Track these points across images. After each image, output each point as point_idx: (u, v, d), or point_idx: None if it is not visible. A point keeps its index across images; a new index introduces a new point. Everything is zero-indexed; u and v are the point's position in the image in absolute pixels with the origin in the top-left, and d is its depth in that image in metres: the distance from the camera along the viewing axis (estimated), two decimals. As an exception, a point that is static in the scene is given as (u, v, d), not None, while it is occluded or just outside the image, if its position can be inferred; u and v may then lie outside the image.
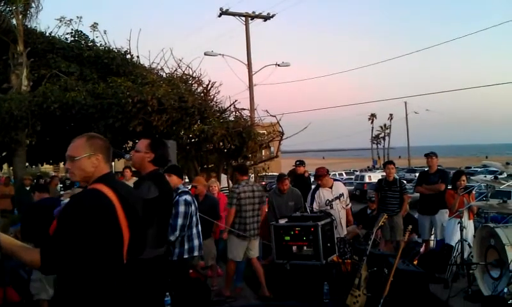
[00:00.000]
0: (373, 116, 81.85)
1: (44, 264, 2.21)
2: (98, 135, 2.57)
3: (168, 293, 5.34)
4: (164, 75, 12.26)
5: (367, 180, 31.92)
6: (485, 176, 11.04)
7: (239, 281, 6.75)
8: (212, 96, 12.10)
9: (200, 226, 5.17)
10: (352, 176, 40.43)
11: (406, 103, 61.22)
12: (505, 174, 6.97)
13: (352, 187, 34.22)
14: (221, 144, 11.63)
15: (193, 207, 4.93)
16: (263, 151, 16.38)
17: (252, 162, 13.09)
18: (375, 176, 30.22)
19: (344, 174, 46.00)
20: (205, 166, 12.43)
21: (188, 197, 4.86)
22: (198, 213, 5.12)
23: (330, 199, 6.95)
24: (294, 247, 6.19)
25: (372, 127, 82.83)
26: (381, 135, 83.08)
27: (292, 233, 6.12)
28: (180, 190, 4.88)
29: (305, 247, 6.15)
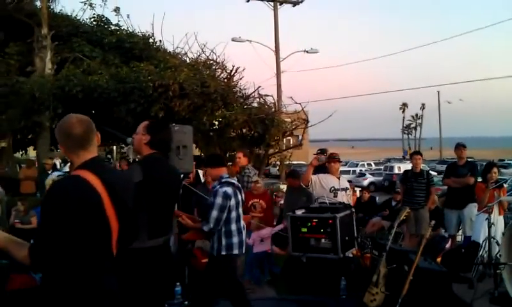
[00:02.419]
0: (404, 105, 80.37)
1: (33, 261, 2.07)
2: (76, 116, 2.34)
3: (178, 283, 5.21)
4: (188, 60, 12.13)
5: (396, 170, 31.25)
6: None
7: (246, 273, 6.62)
8: (235, 82, 11.92)
9: (242, 221, 4.87)
10: (381, 167, 39.76)
11: (438, 92, 59.69)
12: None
13: (381, 178, 33.77)
14: (244, 130, 11.47)
15: (233, 201, 4.61)
16: (290, 139, 16.18)
17: (276, 150, 12.90)
18: (405, 167, 29.56)
19: (372, 164, 45.27)
20: (228, 153, 12.28)
21: (229, 190, 4.55)
22: (240, 209, 4.82)
23: (336, 187, 6.55)
24: (312, 240, 5.95)
25: (404, 117, 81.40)
26: (412, 125, 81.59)
27: (310, 224, 5.86)
28: (223, 180, 4.62)
29: (323, 240, 5.89)
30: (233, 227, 4.61)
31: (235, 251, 4.64)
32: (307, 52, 23.93)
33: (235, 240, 4.63)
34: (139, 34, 12.83)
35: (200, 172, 8.97)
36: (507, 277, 5.23)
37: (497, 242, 5.85)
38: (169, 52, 12.59)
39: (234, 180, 4.84)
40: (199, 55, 11.95)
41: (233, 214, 4.60)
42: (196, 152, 12.35)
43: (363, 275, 5.40)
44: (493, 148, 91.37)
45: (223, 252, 4.58)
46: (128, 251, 2.67)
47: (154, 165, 3.41)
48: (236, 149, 12.19)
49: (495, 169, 7.21)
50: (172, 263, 4.19)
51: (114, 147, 13.30)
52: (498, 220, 6.72)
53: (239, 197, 4.73)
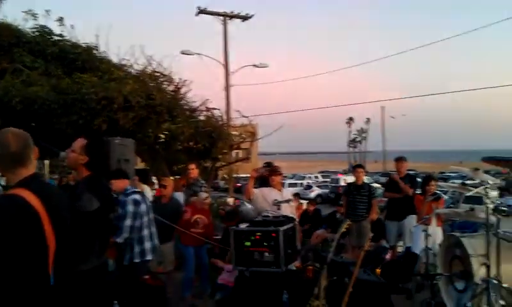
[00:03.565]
0: (351, 119, 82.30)
1: None
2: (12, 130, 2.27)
3: (116, 302, 5.07)
4: (133, 72, 11.92)
5: (342, 183, 31.88)
6: (453, 182, 11.01)
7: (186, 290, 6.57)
8: (183, 95, 11.80)
9: (153, 227, 4.87)
10: (328, 179, 40.47)
11: (382, 107, 61.55)
12: (476, 180, 6.83)
13: (328, 190, 34.39)
14: (190, 143, 11.36)
15: (144, 207, 4.63)
16: (239, 152, 16.17)
17: (223, 163, 12.86)
18: (351, 180, 30.25)
19: (319, 176, 46.00)
20: (174, 167, 12.12)
21: (137, 197, 4.58)
22: (150, 214, 4.82)
23: (279, 200, 6.59)
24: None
25: (350, 131, 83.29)
26: (357, 139, 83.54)
27: (253, 238, 5.85)
28: (128, 191, 4.59)
29: (266, 253, 5.89)
30: (145, 232, 4.63)
31: (148, 257, 4.65)
32: (256, 66, 24.15)
33: (148, 245, 4.64)
34: (83, 45, 12.51)
35: (145, 186, 8.81)
36: (443, 287, 5.39)
37: (434, 253, 6.04)
38: (115, 63, 12.34)
39: (138, 189, 4.88)
40: (145, 68, 11.76)
41: (145, 219, 4.62)
42: (142, 166, 12.14)
43: (306, 288, 5.43)
44: (436, 161, 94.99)
45: (136, 260, 4.55)
46: (73, 273, 2.58)
47: (102, 188, 3.33)
48: (183, 162, 12.09)
49: (433, 182, 7.47)
50: (109, 283, 4.10)
51: (47, 161, 12.87)
52: (437, 232, 6.94)
53: (148, 203, 4.77)
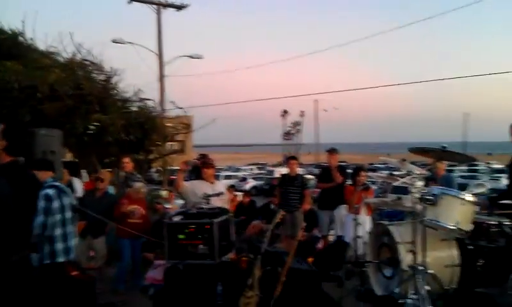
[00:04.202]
0: (285, 112, 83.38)
1: None
2: None
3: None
4: (61, 60, 11.39)
5: (276, 175, 32.26)
6: (381, 173, 11.45)
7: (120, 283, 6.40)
8: (114, 85, 11.42)
9: (70, 226, 4.59)
10: (263, 171, 40.85)
11: (316, 101, 62.97)
12: (403, 171, 7.09)
13: (263, 182, 34.72)
14: (122, 135, 11.04)
15: (57, 204, 4.31)
16: (173, 144, 15.92)
17: (157, 155, 12.61)
18: (284, 172, 30.71)
19: (254, 168, 46.35)
20: (105, 160, 11.73)
21: (50, 191, 4.28)
22: (68, 212, 4.55)
23: (209, 194, 6.47)
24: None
25: (284, 123, 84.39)
26: (292, 132, 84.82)
27: (187, 230, 5.77)
28: (46, 184, 4.32)
29: (200, 246, 5.83)
30: (58, 232, 4.36)
31: (60, 259, 4.40)
32: (191, 57, 23.86)
33: (60, 246, 4.38)
34: (9, 31, 11.79)
35: (76, 179, 8.48)
36: (372, 274, 5.56)
37: (364, 242, 6.23)
38: (42, 51, 11.72)
39: (59, 183, 4.63)
40: (74, 56, 11.27)
41: (57, 217, 4.35)
42: (70, 158, 11.66)
43: (240, 279, 5.43)
44: (365, 153, 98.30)
45: (46, 261, 4.32)
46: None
47: (20, 175, 3.13)
48: (115, 155, 11.72)
49: (363, 173, 7.70)
50: (33, 278, 3.87)
51: None
52: (366, 221, 7.15)
53: (65, 200, 4.50)
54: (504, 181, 28.65)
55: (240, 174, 40.28)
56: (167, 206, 9.75)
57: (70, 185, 8.09)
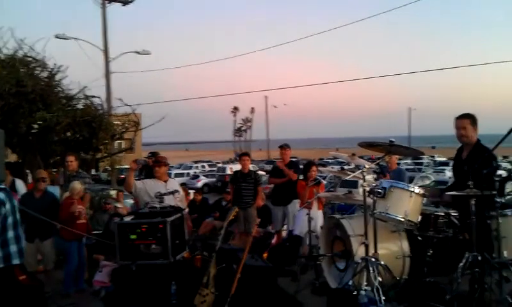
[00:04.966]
0: (236, 109, 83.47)
1: None
2: None
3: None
4: (2, 56, 10.87)
5: (228, 171, 32.25)
6: (332, 167, 11.63)
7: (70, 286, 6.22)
8: (58, 82, 11.02)
9: (19, 228, 4.40)
10: (215, 168, 40.71)
11: (266, 97, 63.36)
12: (352, 165, 7.21)
13: (215, 179, 34.61)
14: (68, 134, 10.68)
15: (8, 206, 4.13)
16: (122, 142, 15.56)
17: (104, 154, 12.28)
18: (237, 168, 30.76)
19: (206, 166, 46.12)
20: (50, 160, 11.31)
21: (1, 195, 4.08)
22: (17, 214, 4.35)
23: (162, 192, 6.30)
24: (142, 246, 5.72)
25: (235, 120, 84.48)
26: (243, 128, 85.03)
27: (139, 230, 5.64)
28: None
29: (153, 245, 5.71)
30: (10, 234, 4.18)
31: (15, 261, 4.23)
32: (139, 53, 23.38)
33: (14, 248, 4.21)
34: None
35: (19, 181, 8.13)
36: (326, 267, 5.63)
37: (317, 236, 6.30)
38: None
39: (3, 186, 4.44)
40: (15, 52, 10.78)
41: (10, 220, 4.18)
42: (14, 158, 11.18)
43: (194, 278, 5.37)
44: (315, 148, 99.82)
45: (1, 265, 4.14)
46: None
47: None
48: (60, 154, 11.32)
49: (314, 168, 7.77)
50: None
51: None
52: (318, 215, 7.24)
53: (14, 202, 4.34)
54: (447, 174, 29.82)
55: (191, 171, 39.95)
56: (117, 206, 9.52)
57: (12, 186, 7.75)
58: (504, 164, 35.55)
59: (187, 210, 7.12)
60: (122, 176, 26.24)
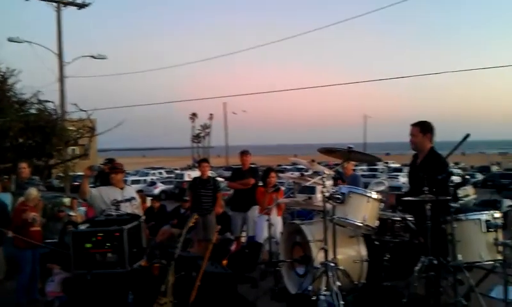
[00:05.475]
0: (194, 115, 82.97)
1: None
2: None
3: None
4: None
5: (186, 178, 31.98)
6: (292, 173, 11.73)
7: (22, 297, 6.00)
8: (10, 86, 10.67)
9: None
10: (172, 175, 40.30)
11: (225, 103, 63.32)
12: (311, 171, 7.27)
13: (172, 186, 34.21)
14: (20, 140, 10.34)
15: None
16: (75, 148, 15.19)
17: (58, 160, 11.95)
18: (195, 175, 30.54)
19: (163, 172, 45.58)
20: (2, 166, 10.89)
21: None
22: None
23: (119, 200, 6.14)
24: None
25: (193, 126, 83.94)
26: (201, 134, 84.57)
27: (94, 239, 5.48)
28: None
29: (109, 254, 5.56)
30: None
31: None
32: (94, 57, 22.90)
33: None
34: None
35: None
36: (285, 273, 5.64)
37: (276, 242, 6.30)
38: None
39: None
40: (-36, 55, 10.39)
41: None
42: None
43: (152, 287, 5.27)
44: (273, 154, 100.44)
45: None
46: None
47: None
48: (12, 160, 10.92)
49: (273, 174, 7.80)
50: None
51: None
52: (278, 221, 7.26)
53: None
54: (401, 179, 30.59)
55: (148, 178, 39.38)
56: (70, 214, 9.25)
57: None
58: (455, 171, 36.83)
59: (144, 217, 6.99)
60: (76, 183, 25.65)
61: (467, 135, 4.36)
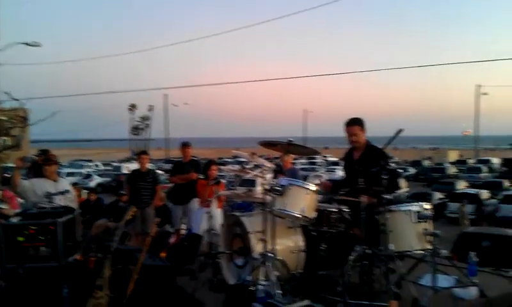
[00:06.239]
0: (133, 106, 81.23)
1: None
2: None
3: None
4: None
5: (124, 171, 31.37)
6: (233, 166, 11.77)
7: None
8: None
9: None
10: (109, 167, 39.39)
11: (165, 95, 62.35)
12: (252, 164, 7.34)
13: (109, 179, 33.42)
14: None
15: None
16: (6, 139, 14.52)
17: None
18: (134, 167, 30.03)
19: (100, 165, 44.40)
20: None
21: None
22: None
23: (52, 192, 6.01)
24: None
25: (132, 118, 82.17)
26: (141, 126, 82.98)
27: (27, 232, 5.29)
28: None
29: (42, 248, 5.39)
30: None
31: None
32: (28, 44, 21.90)
33: None
34: None
35: None
36: (224, 265, 5.68)
37: (216, 234, 6.32)
38: None
39: None
40: None
41: None
42: None
43: (88, 280, 5.15)
44: (214, 147, 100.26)
45: None
46: None
47: None
48: None
49: (214, 166, 7.81)
50: None
51: None
52: (217, 213, 7.28)
53: None
54: (339, 173, 31.45)
55: (84, 170, 38.26)
56: (1, 206, 8.85)
57: None
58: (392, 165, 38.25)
59: (79, 210, 6.82)
60: (7, 175, 24.48)
61: (400, 130, 4.53)
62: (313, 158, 50.01)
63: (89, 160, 49.71)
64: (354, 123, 5.36)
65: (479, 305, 4.55)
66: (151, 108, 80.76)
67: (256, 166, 5.72)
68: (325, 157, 58.19)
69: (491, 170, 45.19)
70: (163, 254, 6.57)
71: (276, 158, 7.42)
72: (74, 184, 12.65)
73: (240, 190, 6.90)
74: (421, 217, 4.66)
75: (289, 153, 6.44)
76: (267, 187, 5.01)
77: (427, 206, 4.77)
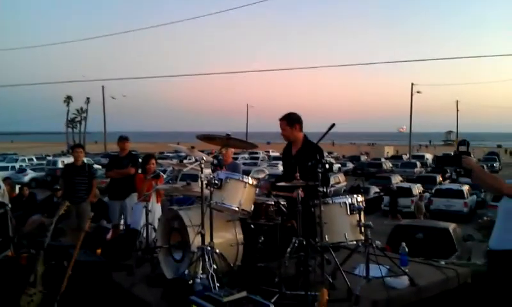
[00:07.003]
0: (69, 98, 78.49)
1: None
2: None
3: None
4: None
5: (60, 165, 30.35)
6: (172, 160, 11.67)
7: None
8: None
9: None
10: (44, 162, 37.95)
11: (103, 87, 60.55)
12: (192, 158, 7.31)
13: (44, 173, 32.21)
14: None
15: None
16: None
17: None
18: (69, 161, 29.13)
19: (34, 159, 42.67)
20: None
21: None
22: None
23: None
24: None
25: (68, 110, 79.40)
26: (77, 119, 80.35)
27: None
28: None
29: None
30: None
31: None
32: None
33: None
34: None
35: None
36: (162, 259, 5.63)
37: (154, 228, 6.26)
38: None
39: None
40: None
41: None
42: None
43: (20, 277, 4.97)
44: (155, 142, 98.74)
45: None
46: None
47: None
48: None
49: (153, 161, 7.71)
50: None
51: None
52: (157, 208, 7.20)
53: None
54: (280, 168, 31.85)
55: (17, 165, 36.66)
56: None
57: None
58: (328, 159, 39.16)
59: (10, 206, 6.57)
60: None
61: (332, 125, 4.68)
62: (256, 153, 50.40)
63: (15, 154, 47.74)
64: (282, 119, 5.54)
65: (408, 293, 4.77)
66: (88, 100, 78.31)
67: (197, 160, 5.71)
68: (267, 151, 58.78)
69: (423, 165, 47.41)
70: (99, 251, 6.45)
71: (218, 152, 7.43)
72: (6, 178, 12.12)
73: (180, 184, 6.84)
74: (354, 208, 4.82)
75: (228, 147, 6.47)
76: (205, 180, 5.01)
77: (359, 198, 4.94)
